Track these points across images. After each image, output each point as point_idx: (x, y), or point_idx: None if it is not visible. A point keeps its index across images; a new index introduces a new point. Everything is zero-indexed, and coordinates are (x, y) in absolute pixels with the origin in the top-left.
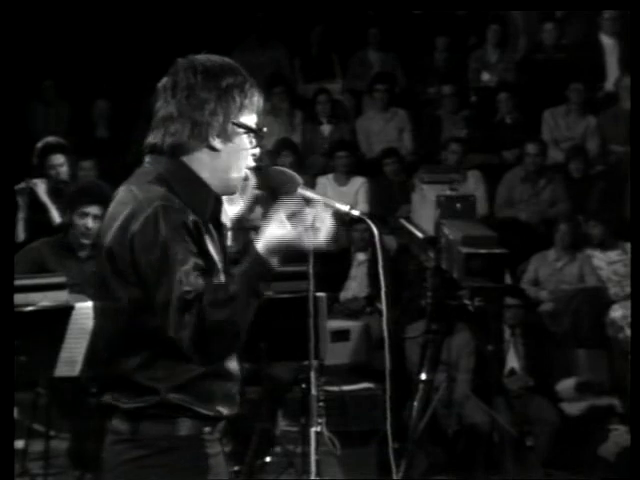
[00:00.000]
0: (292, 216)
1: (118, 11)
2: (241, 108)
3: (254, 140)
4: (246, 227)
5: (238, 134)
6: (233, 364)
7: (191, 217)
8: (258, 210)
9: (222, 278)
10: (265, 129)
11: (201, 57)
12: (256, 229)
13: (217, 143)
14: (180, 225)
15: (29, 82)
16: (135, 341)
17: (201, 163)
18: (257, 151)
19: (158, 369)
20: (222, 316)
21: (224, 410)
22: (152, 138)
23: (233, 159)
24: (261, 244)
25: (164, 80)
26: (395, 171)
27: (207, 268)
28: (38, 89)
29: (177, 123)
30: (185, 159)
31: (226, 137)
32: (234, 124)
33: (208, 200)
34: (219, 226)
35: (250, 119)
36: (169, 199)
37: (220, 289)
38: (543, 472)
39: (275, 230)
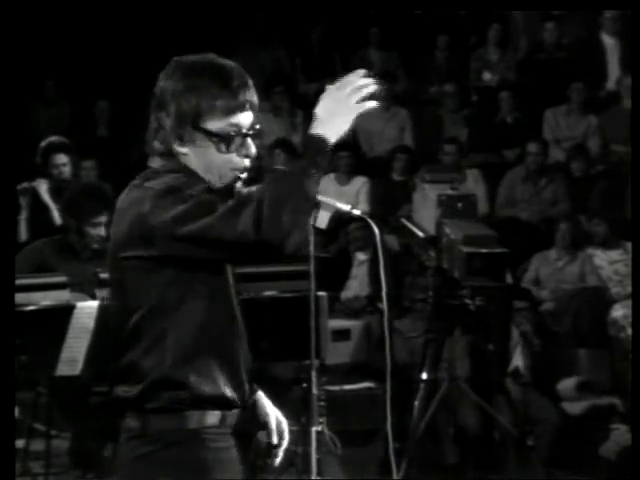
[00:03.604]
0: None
1: (119, 11)
2: (220, 110)
3: (231, 142)
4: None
5: (206, 138)
6: (236, 358)
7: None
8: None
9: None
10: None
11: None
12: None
13: (185, 148)
14: (195, 192)
15: (31, 82)
16: (142, 336)
17: (190, 162)
18: (252, 152)
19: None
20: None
21: (229, 393)
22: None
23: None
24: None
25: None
26: (404, 168)
27: None
28: (40, 89)
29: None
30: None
31: (191, 141)
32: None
33: (198, 183)
34: None
35: (224, 121)
36: (174, 178)
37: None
38: (544, 472)
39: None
